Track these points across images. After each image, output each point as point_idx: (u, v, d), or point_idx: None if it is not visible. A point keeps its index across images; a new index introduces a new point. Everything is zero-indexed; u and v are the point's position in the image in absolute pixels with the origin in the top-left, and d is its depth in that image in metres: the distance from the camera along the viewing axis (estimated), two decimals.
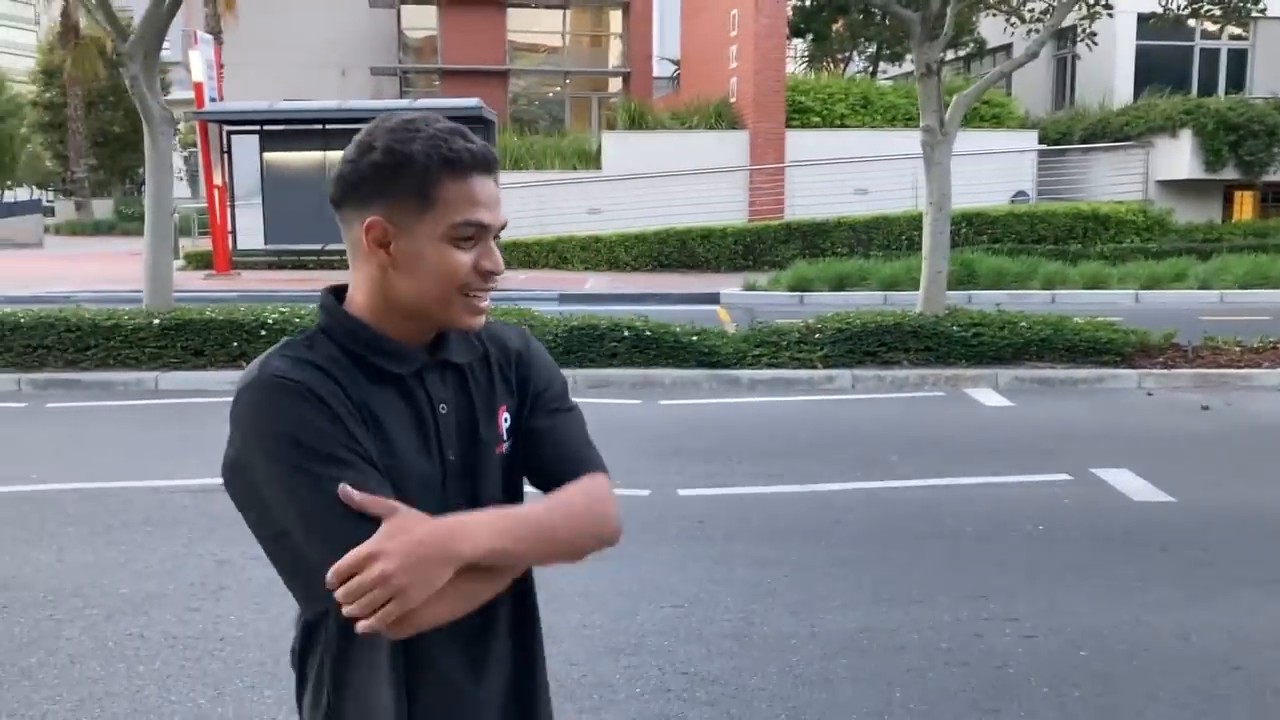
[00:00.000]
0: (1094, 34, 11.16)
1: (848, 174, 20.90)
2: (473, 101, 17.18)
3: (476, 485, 1.45)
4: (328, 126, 17.58)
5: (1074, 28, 11.82)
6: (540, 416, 1.52)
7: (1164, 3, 11.44)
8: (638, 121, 22.65)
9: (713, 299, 15.30)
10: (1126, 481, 6.30)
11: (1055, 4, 10.85)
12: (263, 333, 9.50)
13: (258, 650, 4.12)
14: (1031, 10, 11.24)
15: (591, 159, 22.15)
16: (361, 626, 1.27)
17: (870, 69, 28.63)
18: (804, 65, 29.61)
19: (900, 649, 4.09)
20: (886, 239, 19.53)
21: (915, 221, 18.75)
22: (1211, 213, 22.42)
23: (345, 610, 1.27)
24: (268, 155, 17.64)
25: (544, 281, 17.03)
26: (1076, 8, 10.78)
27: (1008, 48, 23.84)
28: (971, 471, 6.60)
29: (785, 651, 4.07)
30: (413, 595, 1.26)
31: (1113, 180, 22.30)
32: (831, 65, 29.52)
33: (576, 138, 24.65)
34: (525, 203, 20.19)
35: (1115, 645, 4.11)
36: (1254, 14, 11.34)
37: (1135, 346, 9.94)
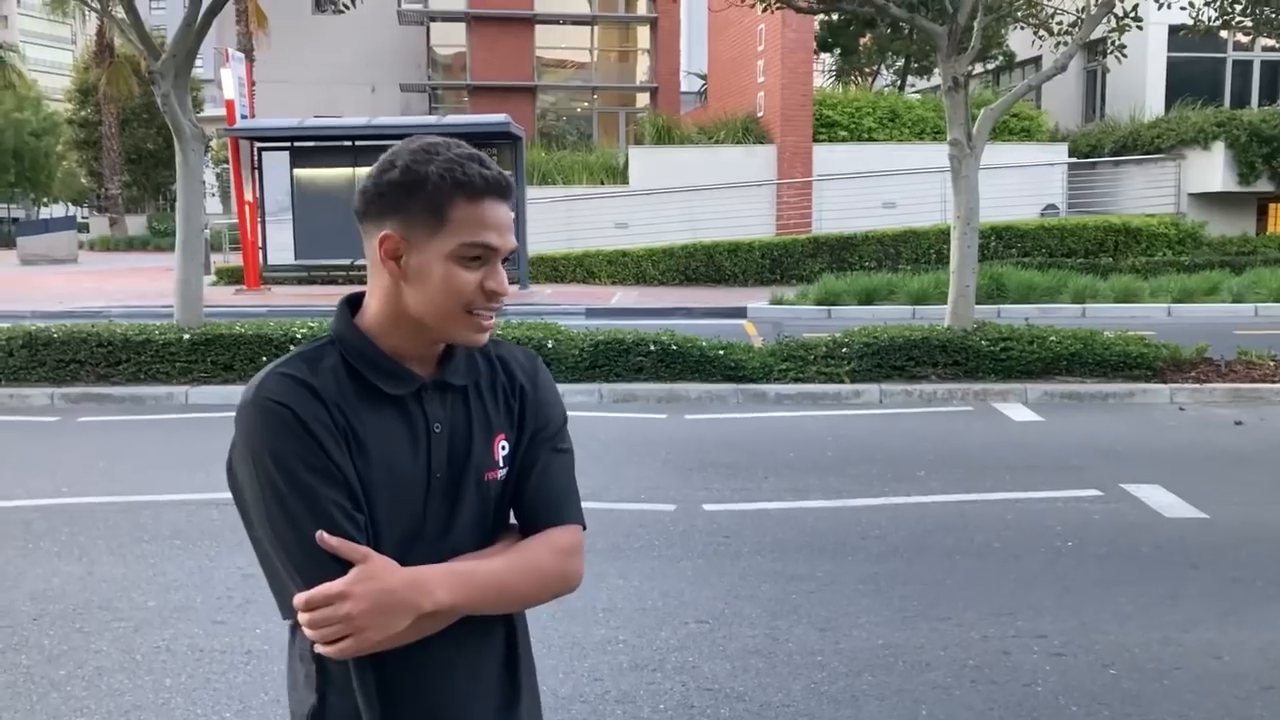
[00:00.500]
0: (1124, 46, 11.08)
1: (875, 188, 20.86)
2: (501, 118, 17.26)
3: (456, 506, 1.50)
4: (357, 143, 17.72)
5: (1104, 40, 11.75)
6: (533, 452, 1.56)
7: (1194, 14, 11.36)
8: (665, 136, 22.70)
9: (740, 313, 15.29)
10: (1158, 497, 6.22)
11: (1084, 16, 10.79)
12: (291, 347, 9.55)
13: (282, 664, 4.11)
14: (1060, 23, 11.17)
15: (619, 174, 22.22)
16: (318, 649, 1.39)
17: (898, 82, 28.56)
18: (831, 79, 29.57)
19: (927, 666, 4.05)
20: (914, 253, 19.46)
21: (943, 235, 18.67)
22: (1245, 225, 22.18)
23: (306, 633, 1.38)
24: (298, 171, 17.80)
25: (571, 296, 17.08)
26: (1106, 20, 10.71)
27: (1037, 60, 23.73)
28: (1000, 487, 6.54)
29: (810, 668, 4.04)
30: (370, 636, 1.36)
31: (1144, 193, 22.11)
32: (859, 79, 29.47)
33: (604, 153, 24.74)
34: (552, 217, 20.28)
35: (1145, 664, 4.05)
36: None
37: (1167, 361, 9.84)
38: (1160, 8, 10.59)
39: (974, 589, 4.86)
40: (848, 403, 9.35)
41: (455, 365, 1.53)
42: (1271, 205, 22.61)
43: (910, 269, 18.18)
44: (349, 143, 17.73)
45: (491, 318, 1.48)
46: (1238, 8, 10.99)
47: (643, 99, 35.69)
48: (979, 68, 25.34)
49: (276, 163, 18.08)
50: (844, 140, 22.23)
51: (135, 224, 40.11)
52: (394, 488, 1.46)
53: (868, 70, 29.51)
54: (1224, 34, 12.75)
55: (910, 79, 28.64)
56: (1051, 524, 5.78)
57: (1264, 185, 21.27)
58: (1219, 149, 21.03)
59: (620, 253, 19.84)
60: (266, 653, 4.24)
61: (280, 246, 18.17)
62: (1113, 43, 11.14)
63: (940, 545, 5.49)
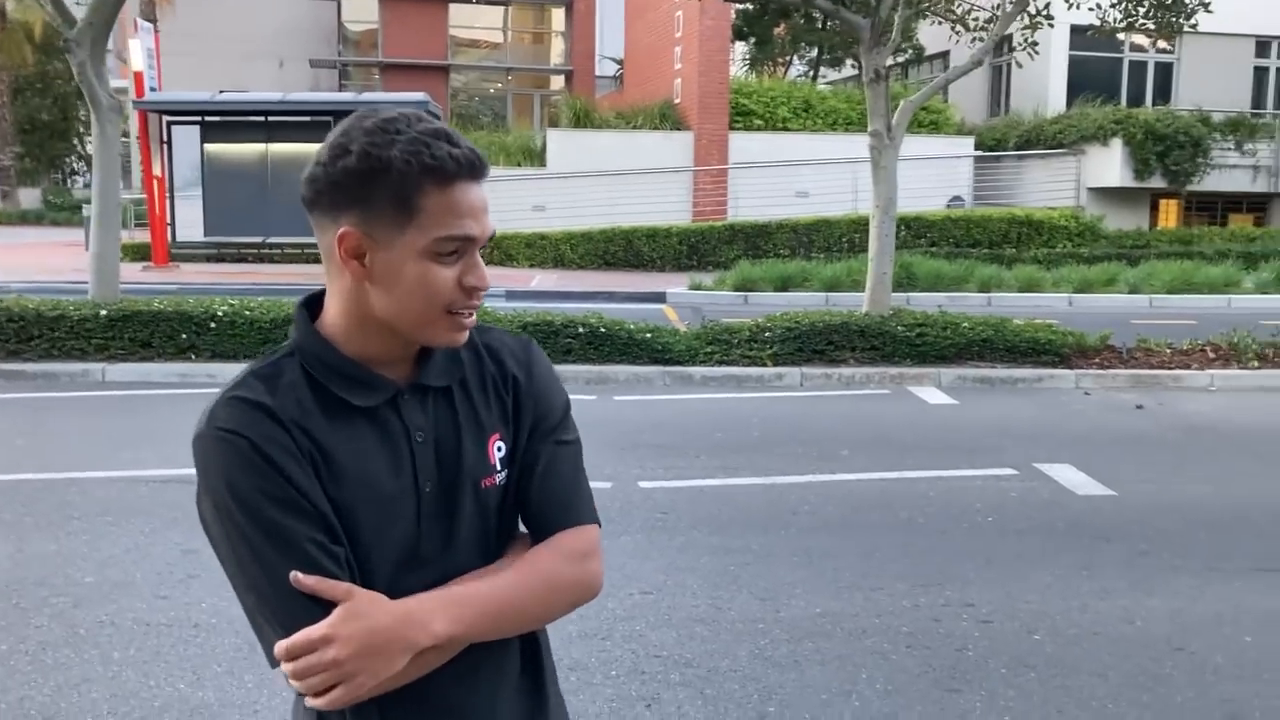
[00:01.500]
0: (1036, 44, 11.48)
1: (789, 177, 21.19)
2: (419, 96, 17.12)
3: (454, 519, 1.34)
4: (270, 119, 17.40)
5: (1010, 36, 12.15)
6: (533, 448, 1.40)
7: (1100, 15, 11.82)
8: (583, 120, 22.71)
9: (659, 298, 15.45)
10: (1069, 476, 6.54)
11: (998, 14, 11.16)
12: (212, 325, 9.44)
13: (233, 636, 4.15)
14: (976, 19, 11.53)
15: (536, 156, 22.17)
16: (309, 702, 1.24)
17: (811, 73, 28.99)
18: (746, 68, 29.87)
19: (864, 633, 4.25)
20: (827, 241, 19.83)
21: (855, 224, 19.10)
22: (1140, 220, 23.10)
23: (291, 684, 1.23)
24: (209, 147, 17.40)
25: (489, 278, 17.01)
26: (1019, 18, 11.09)
27: (945, 55, 24.33)
28: (920, 466, 6.80)
29: (754, 635, 4.21)
30: (362, 681, 1.21)
31: (1046, 187, 22.86)
32: (773, 69, 29.83)
33: (521, 134, 24.65)
34: None
35: (1066, 629, 4.30)
36: (1183, 28, 11.76)
37: (1072, 348, 10.27)
38: (1070, 8, 10.99)
39: (903, 561, 5.08)
40: (770, 385, 9.57)
41: (434, 365, 1.35)
42: (1164, 201, 23.58)
43: (823, 257, 18.53)
44: (262, 118, 17.39)
45: (472, 315, 1.31)
46: (1141, 10, 11.47)
47: (557, 81, 35.58)
48: (890, 60, 25.86)
49: (186, 137, 17.65)
50: (759, 129, 22.52)
51: (29, 198, 38.61)
52: (378, 510, 1.29)
53: (781, 60, 29.88)
54: (1121, 35, 13.28)
55: (823, 70, 29.08)
56: (971, 501, 6.04)
57: (1157, 182, 22.16)
58: (1117, 145, 21.85)
59: (539, 235, 19.83)
60: (215, 626, 4.24)
61: (189, 223, 17.75)
62: (1024, 40, 11.54)
63: (867, 521, 5.71)
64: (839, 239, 19.75)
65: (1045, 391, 9.60)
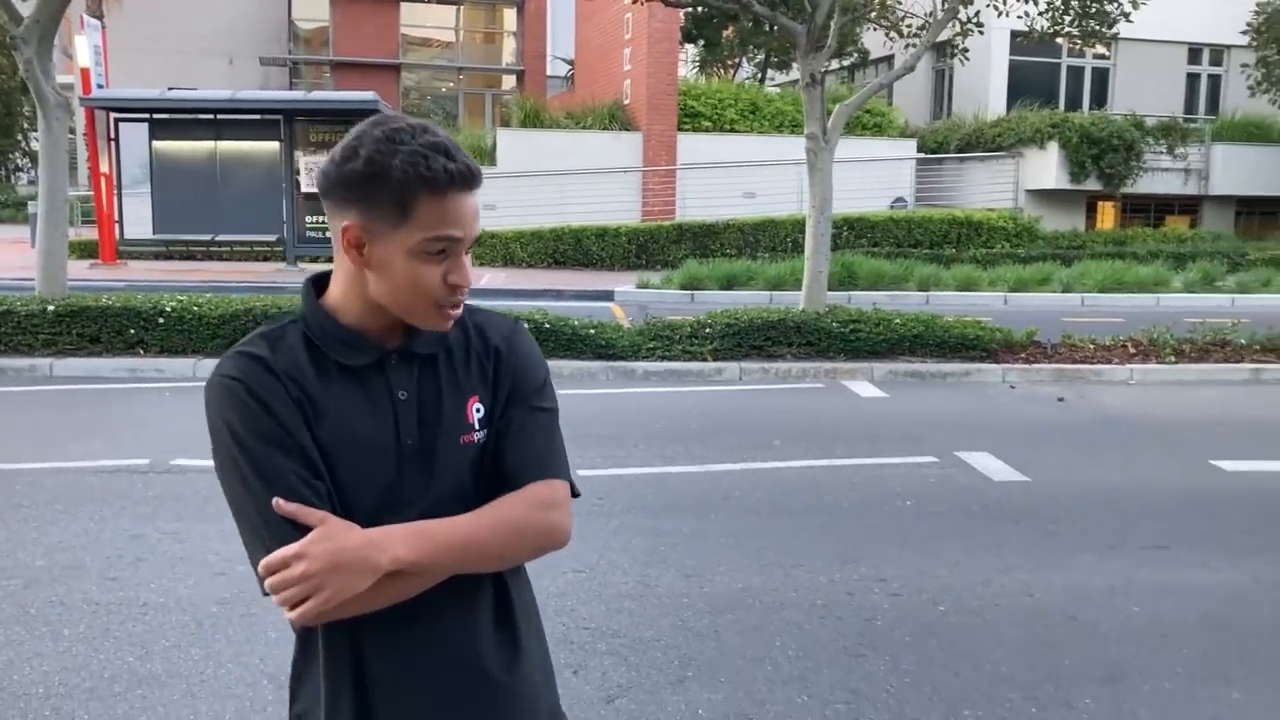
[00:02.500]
0: (966, 50, 11.88)
1: (736, 178, 21.53)
2: (369, 95, 17.20)
3: (433, 470, 1.48)
4: (219, 116, 17.39)
5: (951, 42, 12.56)
6: (509, 412, 1.55)
7: (1029, 22, 12.25)
8: (533, 119, 22.89)
9: (608, 296, 15.69)
10: (987, 463, 6.89)
11: (931, 21, 11.54)
12: (160, 320, 9.54)
13: (180, 614, 4.34)
14: (910, 25, 11.90)
15: (486, 155, 22.31)
16: (285, 615, 1.39)
17: (759, 76, 29.37)
18: (695, 70, 30.20)
19: (781, 606, 4.53)
20: (773, 241, 20.18)
21: (800, 225, 19.44)
22: (1075, 221, 23.72)
23: (271, 600, 1.39)
24: (157, 144, 17.35)
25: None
26: (952, 24, 11.47)
27: (890, 59, 24.80)
28: (848, 454, 7.11)
29: (678, 609, 4.47)
30: (329, 596, 1.36)
31: (985, 188, 23.41)
32: (721, 71, 30.18)
33: (471, 134, 24.77)
34: None
35: (970, 602, 4.61)
36: (1106, 35, 12.22)
37: (1000, 344, 10.66)
38: (1000, 15, 11.40)
39: (824, 541, 5.37)
40: (711, 379, 9.87)
41: (422, 334, 1.52)
42: (1099, 203, 24.23)
43: (769, 256, 18.88)
44: (211, 116, 17.38)
45: (458, 308, 1.48)
46: (1067, 19, 11.91)
47: (509, 81, 35.69)
48: (835, 64, 26.30)
49: (134, 134, 17.58)
50: (707, 130, 22.83)
51: None
52: (360, 457, 1.45)
53: (729, 63, 30.24)
54: (1059, 41, 13.75)
55: (770, 73, 29.49)
56: (893, 486, 6.36)
57: (1093, 184, 22.78)
58: (1053, 149, 22.44)
59: (489, 234, 19.97)
60: (163, 605, 4.43)
61: (137, 220, 17.68)
62: (958, 46, 11.94)
63: (794, 505, 6.00)
64: (784, 239, 20.11)
65: (972, 385, 9.98)
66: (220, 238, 17.75)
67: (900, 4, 12.23)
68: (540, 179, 20.91)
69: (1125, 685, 3.83)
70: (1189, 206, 25.05)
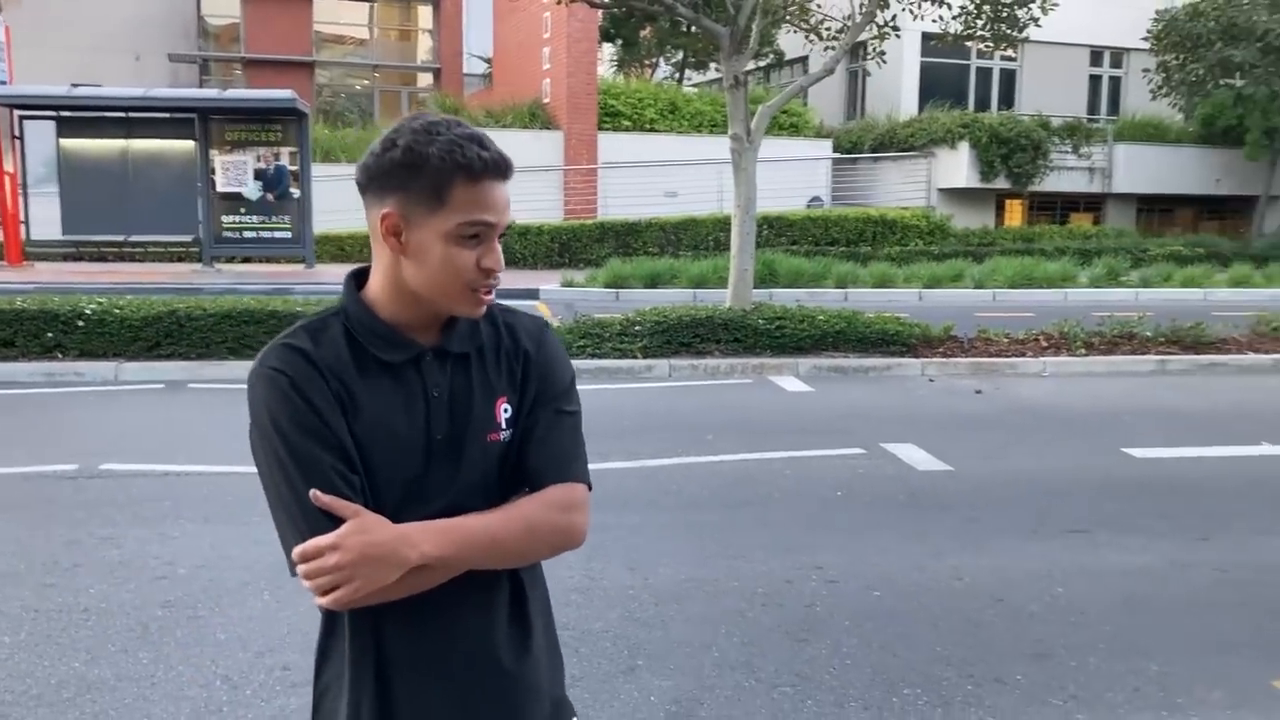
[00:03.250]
0: (883, 53, 12.17)
1: (657, 177, 21.71)
2: (286, 93, 16.95)
3: (460, 467, 1.54)
4: (131, 114, 16.99)
5: (865, 43, 12.85)
6: (536, 413, 1.60)
7: (943, 26, 12.60)
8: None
9: (533, 294, 15.72)
10: (912, 454, 7.12)
11: (849, 24, 11.80)
12: (80, 323, 9.35)
13: (125, 618, 4.31)
14: (829, 29, 12.16)
15: None
16: (315, 601, 1.46)
17: (677, 75, 29.60)
18: (613, 70, 30.31)
19: (723, 595, 4.66)
20: (694, 239, 20.40)
21: (720, 223, 19.72)
22: (986, 219, 24.40)
23: (303, 584, 1.45)
24: (64, 142, 16.86)
25: (348, 271, 16.98)
26: (868, 27, 11.75)
27: (804, 59, 25.21)
28: (778, 447, 7.28)
29: (624, 600, 4.57)
30: (359, 586, 1.42)
31: (899, 187, 23.95)
32: (640, 71, 30.35)
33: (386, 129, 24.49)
34: (339, 196, 19.99)
35: (903, 587, 4.80)
36: (1017, 39, 12.63)
37: (919, 339, 10.97)
38: (915, 19, 11.71)
39: (761, 532, 5.52)
40: (641, 376, 9.99)
41: (457, 333, 1.58)
42: (1008, 201, 24.95)
43: (691, 255, 19.09)
44: (122, 114, 16.96)
45: (490, 292, 1.54)
46: (979, 23, 12.28)
47: (425, 79, 35.39)
48: (752, 64, 26.63)
49: (39, 132, 17.09)
50: (628, 129, 22.98)
51: None
52: (392, 451, 1.51)
53: (648, 63, 30.41)
54: (969, 44, 14.15)
55: (688, 73, 29.72)
56: (824, 477, 6.55)
57: (1002, 183, 23.46)
58: (964, 148, 23.05)
59: None
60: (106, 610, 4.40)
61: (44, 221, 17.16)
62: (874, 48, 12.23)
63: (730, 497, 6.15)
64: (706, 237, 20.34)
65: (893, 379, 10.27)
66: (133, 239, 17.35)
67: (819, 7, 12.49)
68: None
69: (1053, 662, 4.03)
70: (1093, 204, 25.93)
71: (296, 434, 1.46)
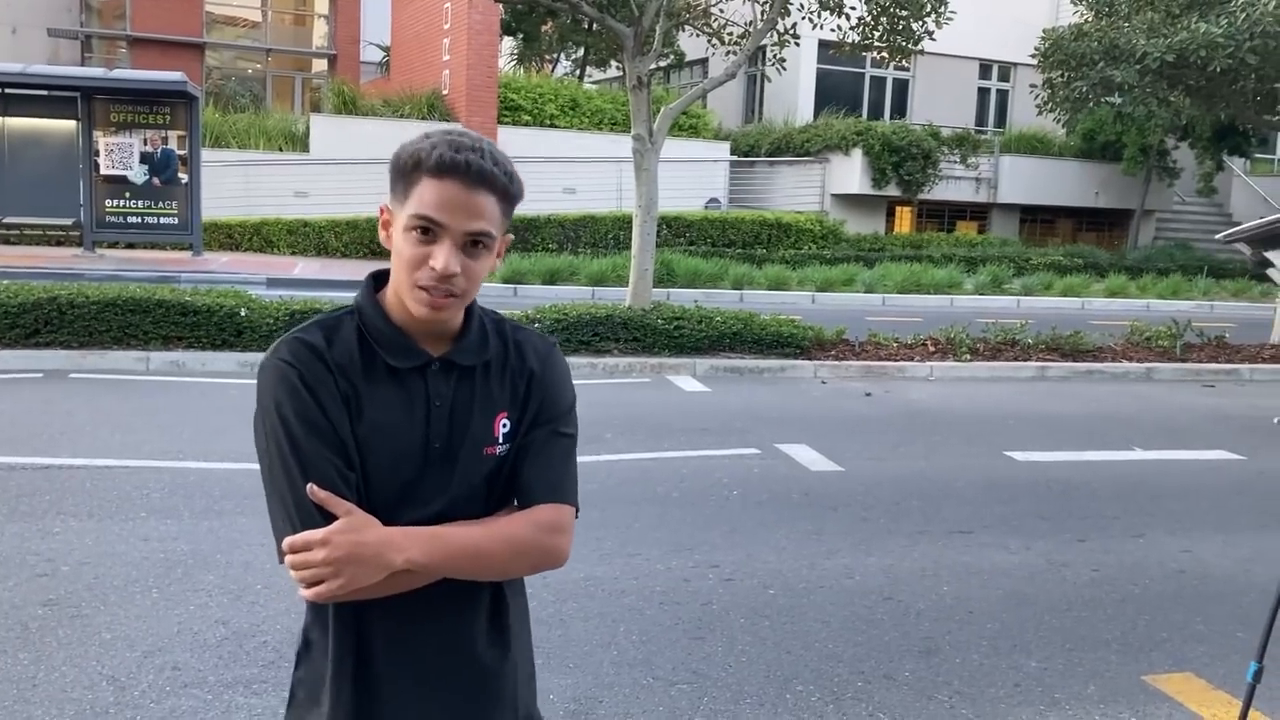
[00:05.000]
0: (784, 60, 12.38)
1: (557, 173, 21.66)
2: (177, 76, 16.44)
3: (454, 476, 1.57)
4: (8, 90, 16.27)
5: (764, 49, 13.04)
6: (533, 432, 1.63)
7: (841, 35, 12.87)
8: (349, 106, 22.40)
9: None
10: (804, 454, 7.27)
11: (751, 30, 11.97)
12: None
13: (2, 617, 4.17)
14: (731, 34, 12.31)
15: (299, 141, 21.69)
16: (299, 593, 1.50)
17: (578, 72, 29.58)
18: (514, 64, 30.13)
19: (622, 593, 4.70)
20: (594, 237, 20.43)
21: (620, 221, 19.81)
22: (877, 225, 24.98)
23: (289, 574, 1.49)
24: None
25: (250, 265, 16.62)
26: (769, 34, 11.94)
27: (704, 61, 25.45)
28: (676, 447, 7.37)
29: None
30: (344, 583, 1.46)
31: (794, 192, 24.36)
32: (540, 66, 30.23)
33: (284, 118, 23.97)
34: (228, 183, 19.55)
35: (796, 584, 4.91)
36: (912, 50, 12.97)
37: (812, 341, 11.19)
38: (814, 27, 11.93)
39: (658, 531, 5.58)
40: None
41: (466, 345, 1.61)
42: (899, 208, 25.58)
43: (590, 252, 19.12)
44: None
45: (442, 297, 1.52)
46: (876, 34, 12.57)
47: (320, 65, 34.66)
48: (654, 65, 26.77)
49: None
50: (528, 124, 22.88)
51: None
52: (390, 454, 1.54)
53: (548, 58, 30.32)
54: (865, 54, 14.47)
55: (589, 70, 29.72)
56: (720, 476, 6.65)
57: (893, 190, 24.05)
58: (857, 155, 23.56)
59: (301, 222, 19.46)
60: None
61: None
62: (774, 56, 12.42)
63: (628, 496, 6.20)
64: (605, 235, 20.40)
65: (787, 380, 10.46)
66: (8, 220, 16.62)
67: (722, 12, 12.63)
68: (357, 167, 20.46)
69: (939, 658, 4.18)
70: (979, 213, 26.75)
71: (300, 427, 1.49)
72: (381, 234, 1.59)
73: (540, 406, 1.64)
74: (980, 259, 21.30)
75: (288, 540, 1.48)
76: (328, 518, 1.47)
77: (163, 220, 16.93)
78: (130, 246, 17.77)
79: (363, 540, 1.47)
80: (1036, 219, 27.37)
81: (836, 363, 10.85)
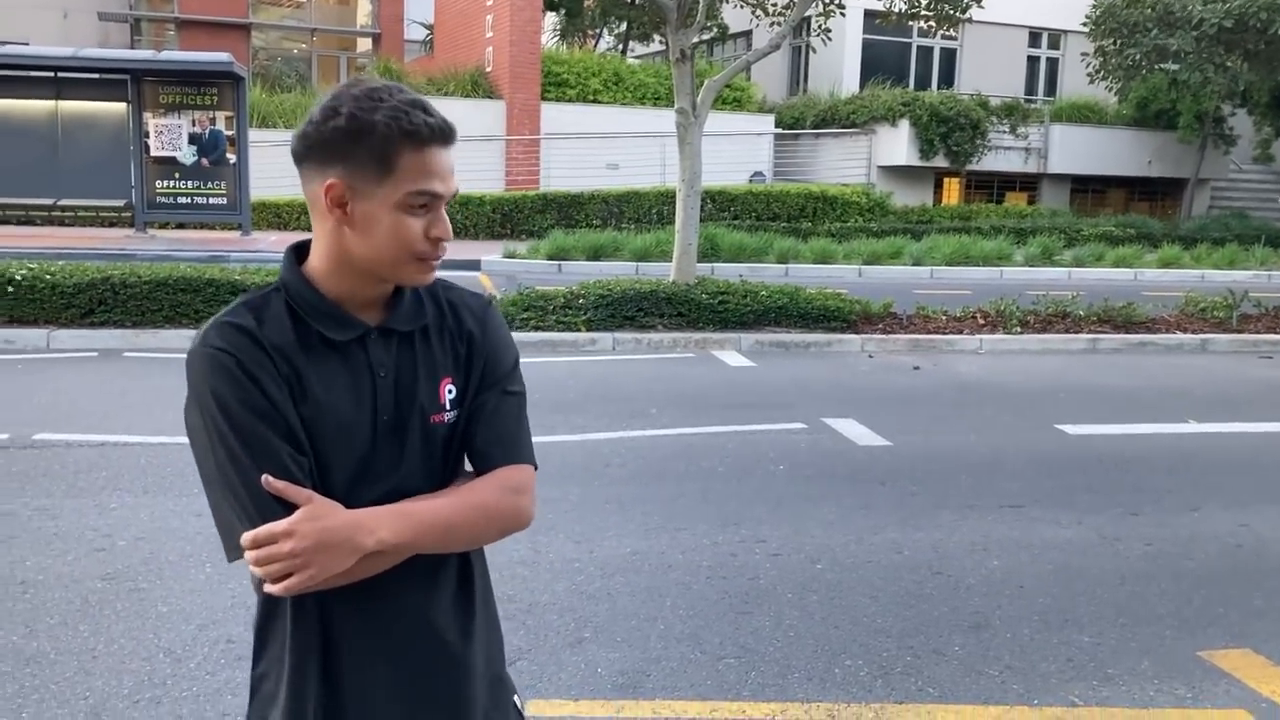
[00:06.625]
0: (829, 30, 12.23)
1: (600, 149, 21.63)
2: (223, 56, 16.58)
3: (405, 447, 1.52)
4: (60, 74, 16.50)
5: (809, 19, 12.89)
6: (481, 395, 1.59)
7: (887, 4, 12.69)
8: None
9: (474, 266, 15.62)
10: (852, 429, 7.22)
11: (795, 1, 11.83)
12: (10, 288, 9.13)
13: (62, 591, 4.25)
14: (775, 4, 12.17)
15: None
16: (267, 588, 1.42)
17: (620, 47, 29.44)
18: (556, 39, 30.05)
19: (669, 568, 4.71)
20: (637, 213, 20.37)
21: (663, 197, 19.73)
22: (924, 197, 24.68)
23: (253, 570, 1.42)
24: None
25: (287, 245, 16.73)
26: (814, 4, 11.79)
27: (748, 34, 25.22)
28: (721, 421, 7.35)
29: (570, 573, 4.61)
30: (314, 572, 1.40)
31: (840, 164, 24.11)
32: (583, 41, 30.13)
33: (322, 97, 24.07)
34: (276, 162, 19.65)
35: (844, 559, 4.88)
36: (960, 19, 12.77)
37: (859, 315, 11.10)
38: None
39: (704, 505, 5.58)
40: (584, 350, 10.00)
41: (402, 311, 1.56)
42: (946, 179, 25.26)
43: (633, 228, 19.06)
44: (51, 73, 16.47)
45: (438, 260, 1.52)
46: (923, 2, 12.38)
47: (364, 44, 34.77)
48: (698, 38, 26.59)
49: None
50: (571, 100, 22.82)
51: None
52: (339, 431, 1.48)
53: (591, 33, 30.21)
54: (911, 23, 14.26)
55: (632, 44, 29.58)
56: (766, 451, 6.62)
57: (941, 161, 23.73)
58: (904, 126, 23.26)
59: None
60: (43, 582, 4.33)
61: None
62: (819, 25, 12.28)
63: (673, 471, 6.19)
64: (648, 210, 20.33)
65: (834, 354, 10.39)
66: (63, 202, 16.90)
67: None
68: None
69: (989, 633, 4.14)
70: (1028, 184, 26.34)
71: (245, 416, 1.42)
72: (334, 212, 1.46)
73: (485, 368, 1.60)
74: (1030, 230, 20.96)
75: (248, 535, 1.40)
76: (286, 508, 1.41)
77: (211, 200, 17.13)
78: (180, 227, 18.01)
79: (329, 526, 1.41)
80: (1088, 189, 26.90)
81: (884, 336, 10.75)
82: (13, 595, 4.21)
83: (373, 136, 1.42)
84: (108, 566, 4.51)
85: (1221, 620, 4.33)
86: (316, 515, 1.41)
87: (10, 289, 9.10)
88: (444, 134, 1.47)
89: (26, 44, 18.30)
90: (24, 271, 9.25)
